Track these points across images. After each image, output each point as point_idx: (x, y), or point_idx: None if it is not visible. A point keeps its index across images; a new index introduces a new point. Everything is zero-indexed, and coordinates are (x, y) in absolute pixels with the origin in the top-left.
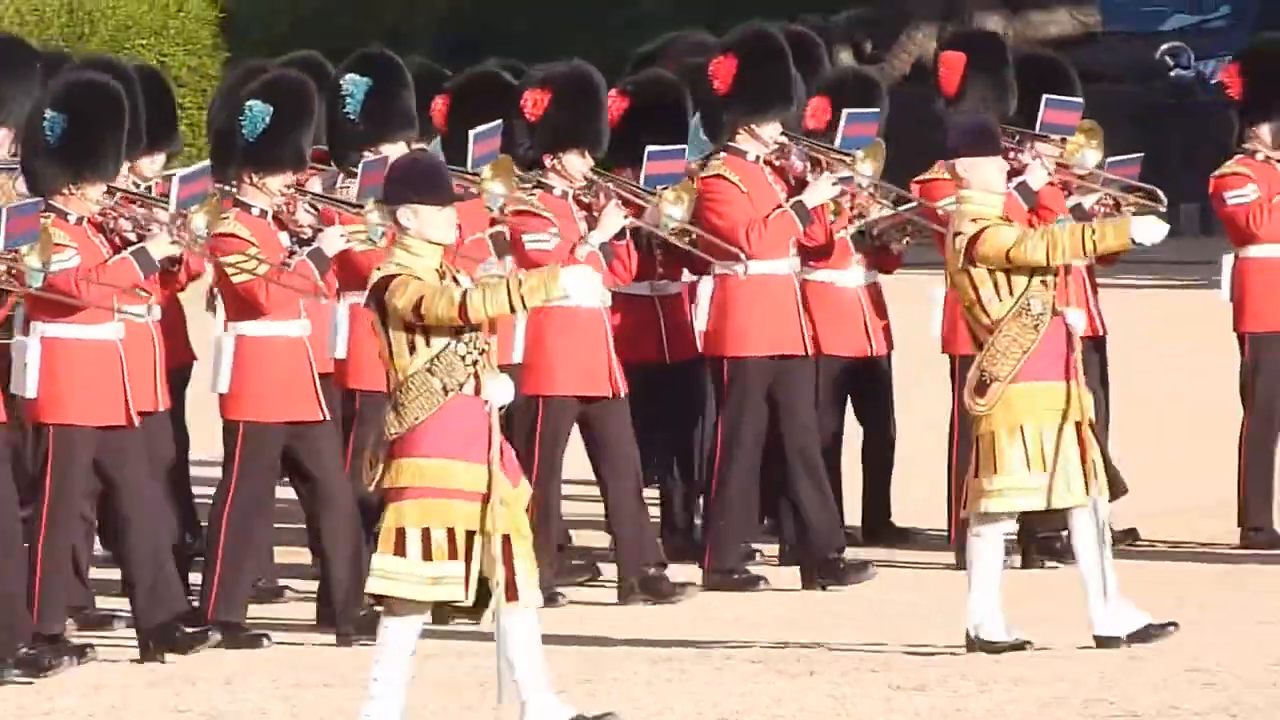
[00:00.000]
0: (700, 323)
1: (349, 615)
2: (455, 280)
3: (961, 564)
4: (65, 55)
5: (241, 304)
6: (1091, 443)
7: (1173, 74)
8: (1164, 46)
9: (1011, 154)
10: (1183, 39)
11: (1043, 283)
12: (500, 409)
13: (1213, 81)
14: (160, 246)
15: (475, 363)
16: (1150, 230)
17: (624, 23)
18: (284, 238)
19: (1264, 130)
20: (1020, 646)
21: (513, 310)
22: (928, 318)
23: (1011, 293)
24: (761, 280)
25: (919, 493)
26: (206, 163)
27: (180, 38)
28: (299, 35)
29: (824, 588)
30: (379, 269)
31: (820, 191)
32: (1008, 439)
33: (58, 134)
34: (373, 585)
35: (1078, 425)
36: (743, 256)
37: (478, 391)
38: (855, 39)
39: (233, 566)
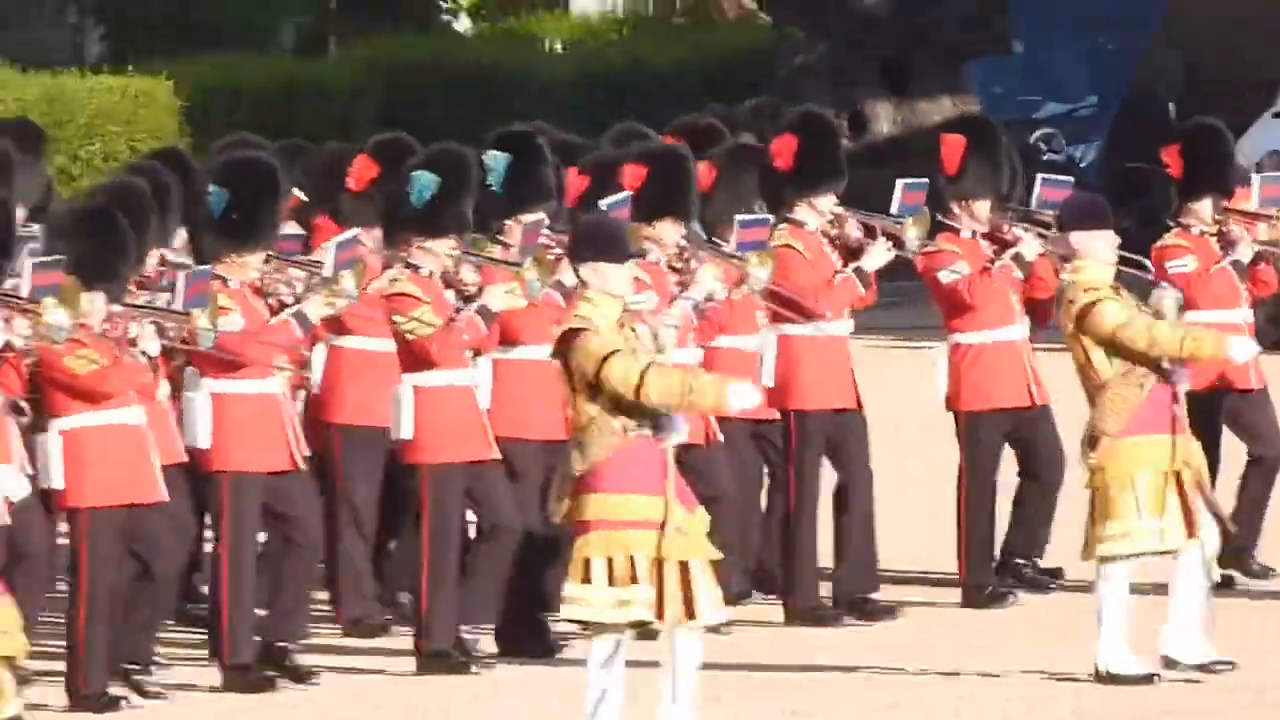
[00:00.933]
0: (767, 379)
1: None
2: (634, 330)
3: (970, 602)
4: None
5: (414, 358)
6: (1192, 490)
7: (1045, 158)
8: (1037, 133)
9: (1006, 228)
10: (1054, 125)
11: None
12: (674, 446)
13: (1081, 165)
14: (316, 308)
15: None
16: (1245, 349)
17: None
18: (450, 295)
19: (1200, 206)
20: (1149, 679)
21: (679, 407)
22: (931, 377)
23: (1121, 359)
24: (825, 340)
25: (932, 534)
26: (357, 230)
27: (148, 125)
28: (253, 122)
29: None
30: (567, 323)
31: (876, 258)
32: (1119, 488)
33: (220, 207)
34: (568, 611)
35: (1179, 474)
36: (824, 315)
37: (655, 431)
38: (759, 126)
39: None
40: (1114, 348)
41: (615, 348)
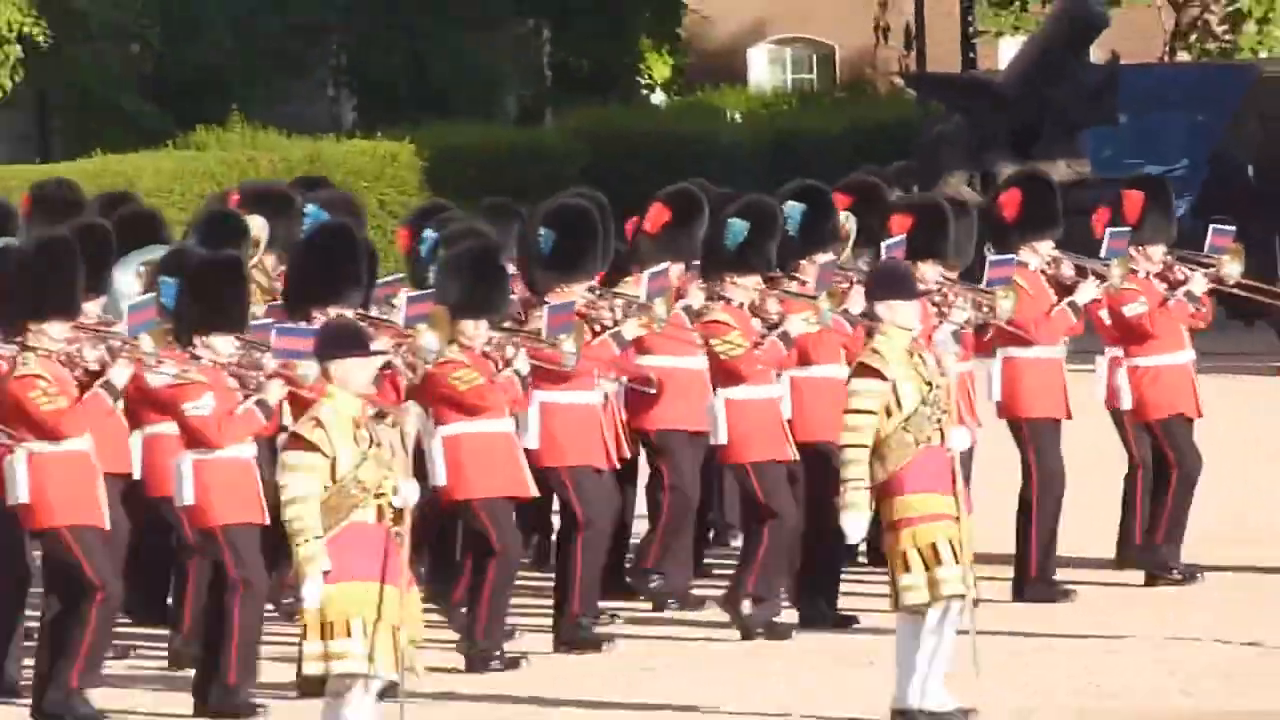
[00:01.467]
0: (995, 394)
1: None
2: (920, 357)
3: (1150, 582)
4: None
5: (727, 374)
6: None
7: None
8: None
9: (1176, 269)
10: None
11: None
12: (960, 452)
13: (1179, 216)
14: (631, 329)
15: (939, 420)
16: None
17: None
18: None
19: (1153, 250)
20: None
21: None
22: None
23: None
24: (1044, 361)
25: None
26: (666, 264)
27: (393, 182)
28: (481, 179)
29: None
30: (861, 355)
31: (1087, 293)
32: None
33: (549, 246)
34: (906, 599)
35: None
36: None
37: (942, 441)
38: (904, 183)
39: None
40: None
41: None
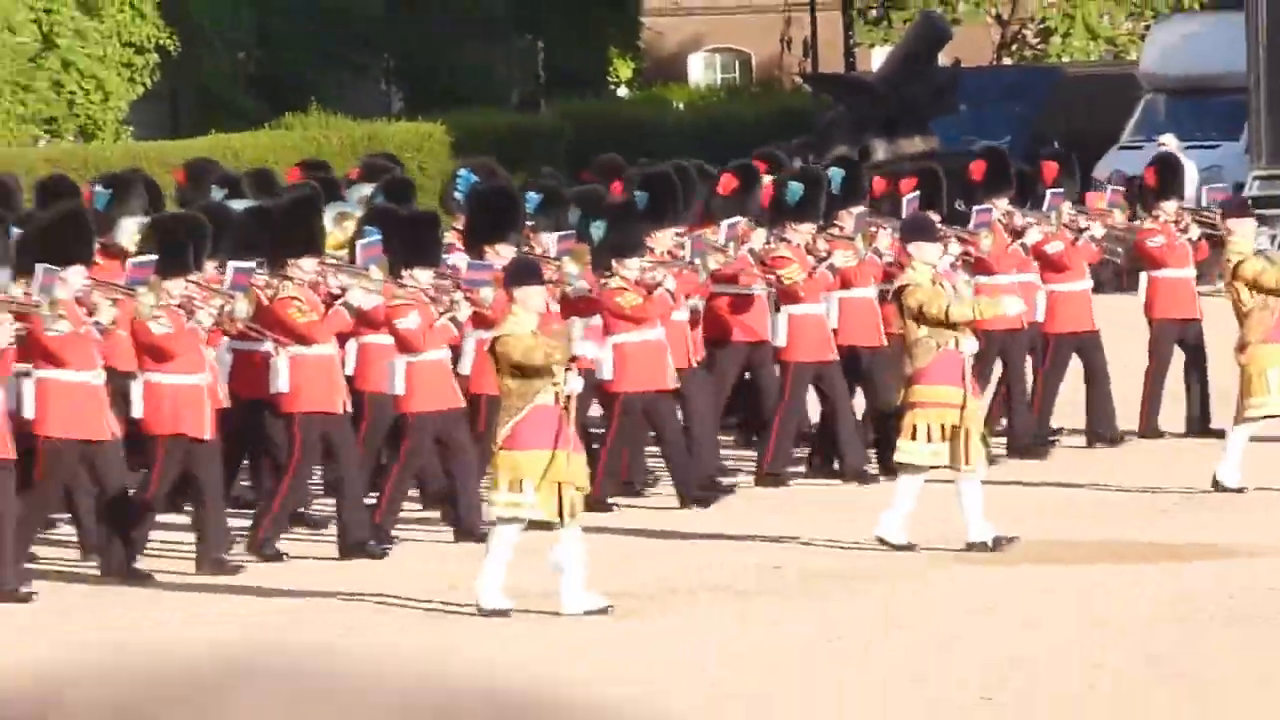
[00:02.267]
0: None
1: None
2: (942, 285)
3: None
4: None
5: (788, 295)
6: None
7: None
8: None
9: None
10: None
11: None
12: (971, 356)
13: None
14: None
15: (956, 328)
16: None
17: None
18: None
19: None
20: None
21: (975, 323)
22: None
23: (1256, 295)
24: (1002, 285)
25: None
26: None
27: (431, 157)
28: (494, 153)
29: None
30: (900, 280)
31: (1032, 236)
32: (1258, 378)
33: (641, 202)
34: (899, 457)
35: None
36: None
37: (958, 345)
38: (803, 155)
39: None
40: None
41: (931, 294)
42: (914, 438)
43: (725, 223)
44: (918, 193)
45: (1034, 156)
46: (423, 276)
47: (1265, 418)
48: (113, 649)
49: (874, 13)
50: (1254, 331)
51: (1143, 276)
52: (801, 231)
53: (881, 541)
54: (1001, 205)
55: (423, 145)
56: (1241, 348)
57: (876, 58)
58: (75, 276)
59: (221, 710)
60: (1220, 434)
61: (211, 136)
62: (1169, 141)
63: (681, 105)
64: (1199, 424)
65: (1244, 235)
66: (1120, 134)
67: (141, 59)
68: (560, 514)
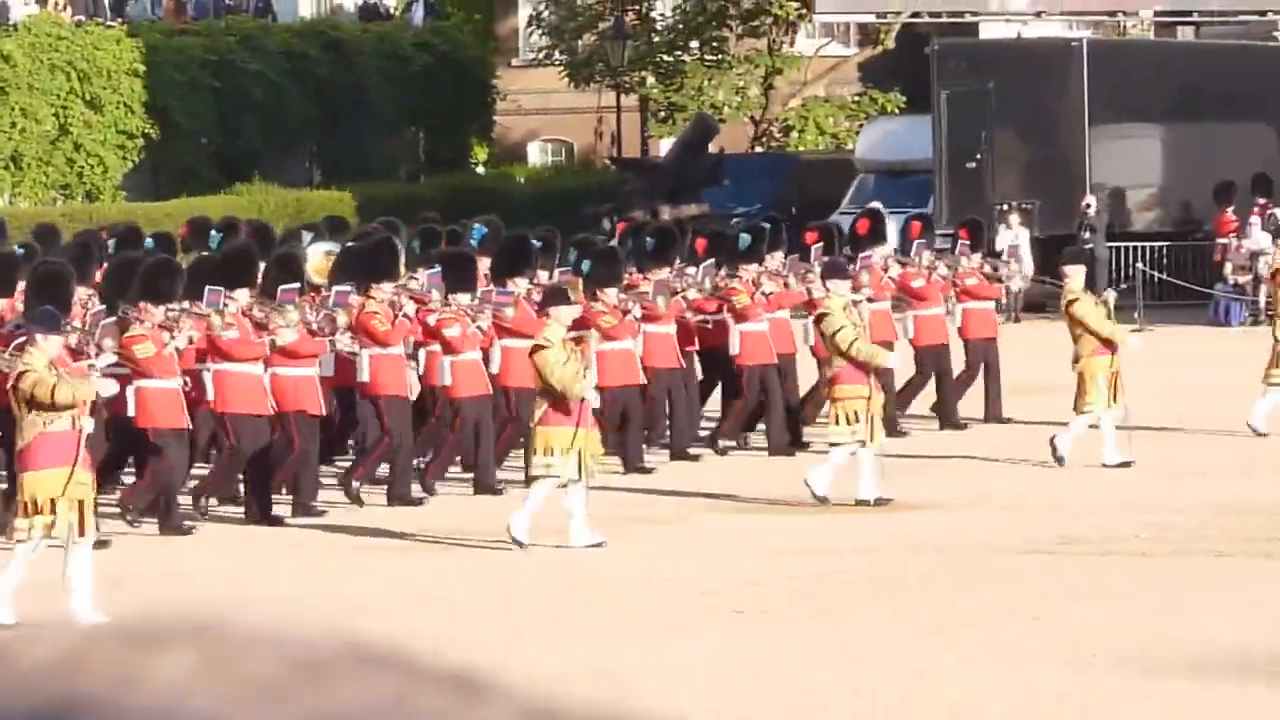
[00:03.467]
0: (910, 334)
1: None
2: (852, 310)
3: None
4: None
5: (740, 316)
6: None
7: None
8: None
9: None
10: (743, 217)
11: None
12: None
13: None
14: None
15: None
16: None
17: None
18: None
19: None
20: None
21: (854, 356)
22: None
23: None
24: (880, 312)
25: None
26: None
27: (341, 215)
28: (389, 213)
29: None
30: (821, 308)
31: (893, 270)
32: (1090, 382)
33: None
34: (831, 438)
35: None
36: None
37: (858, 356)
38: (609, 216)
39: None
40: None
41: (843, 324)
42: (838, 423)
43: (705, 264)
44: (821, 243)
45: (768, 222)
46: (463, 299)
47: (1093, 411)
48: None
49: (663, 114)
50: (1085, 348)
51: (959, 308)
52: (749, 270)
53: (809, 489)
54: (879, 252)
55: (335, 208)
56: (1076, 360)
57: (664, 146)
58: (242, 296)
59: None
60: (1009, 421)
61: (182, 199)
62: (878, 206)
63: (523, 180)
64: (994, 415)
65: (1076, 278)
66: (839, 203)
67: (132, 142)
68: (579, 473)
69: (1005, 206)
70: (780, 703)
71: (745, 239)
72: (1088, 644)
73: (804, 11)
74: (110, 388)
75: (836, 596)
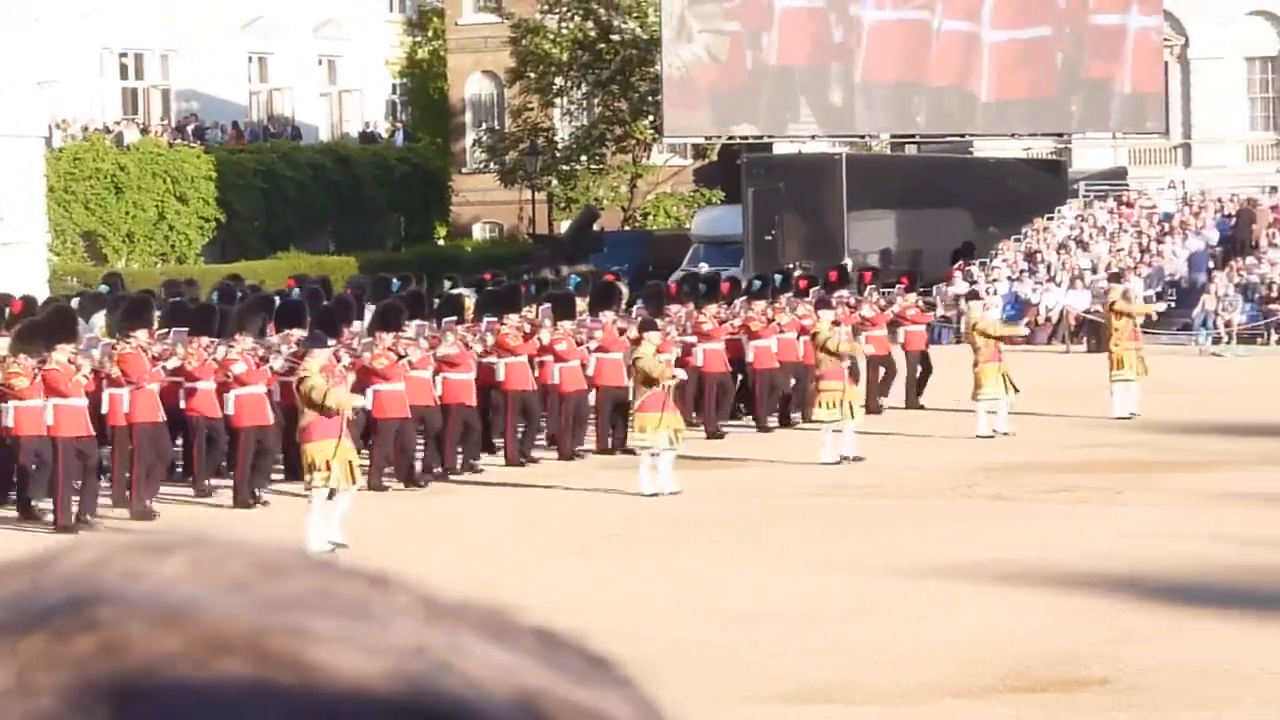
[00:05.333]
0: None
1: None
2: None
3: None
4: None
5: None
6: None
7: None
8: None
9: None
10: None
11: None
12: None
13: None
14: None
15: (836, 353)
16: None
17: None
18: None
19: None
20: None
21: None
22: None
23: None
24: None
25: None
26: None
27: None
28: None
29: None
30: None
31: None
32: (986, 379)
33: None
34: (817, 415)
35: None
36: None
37: (841, 359)
38: (526, 273)
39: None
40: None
41: (829, 334)
42: (821, 406)
43: (681, 310)
44: (816, 286)
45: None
46: (567, 325)
47: (990, 399)
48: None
49: (562, 204)
50: (983, 355)
51: (900, 330)
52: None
53: (823, 462)
54: (842, 295)
55: (345, 268)
56: (975, 364)
57: (564, 226)
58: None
59: None
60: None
61: (242, 263)
62: (704, 267)
63: (469, 249)
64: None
65: (987, 310)
66: (681, 263)
67: (207, 224)
68: (670, 443)
69: (792, 266)
70: (605, 605)
71: (756, 284)
72: (846, 558)
73: (657, 136)
74: (361, 401)
75: (675, 530)
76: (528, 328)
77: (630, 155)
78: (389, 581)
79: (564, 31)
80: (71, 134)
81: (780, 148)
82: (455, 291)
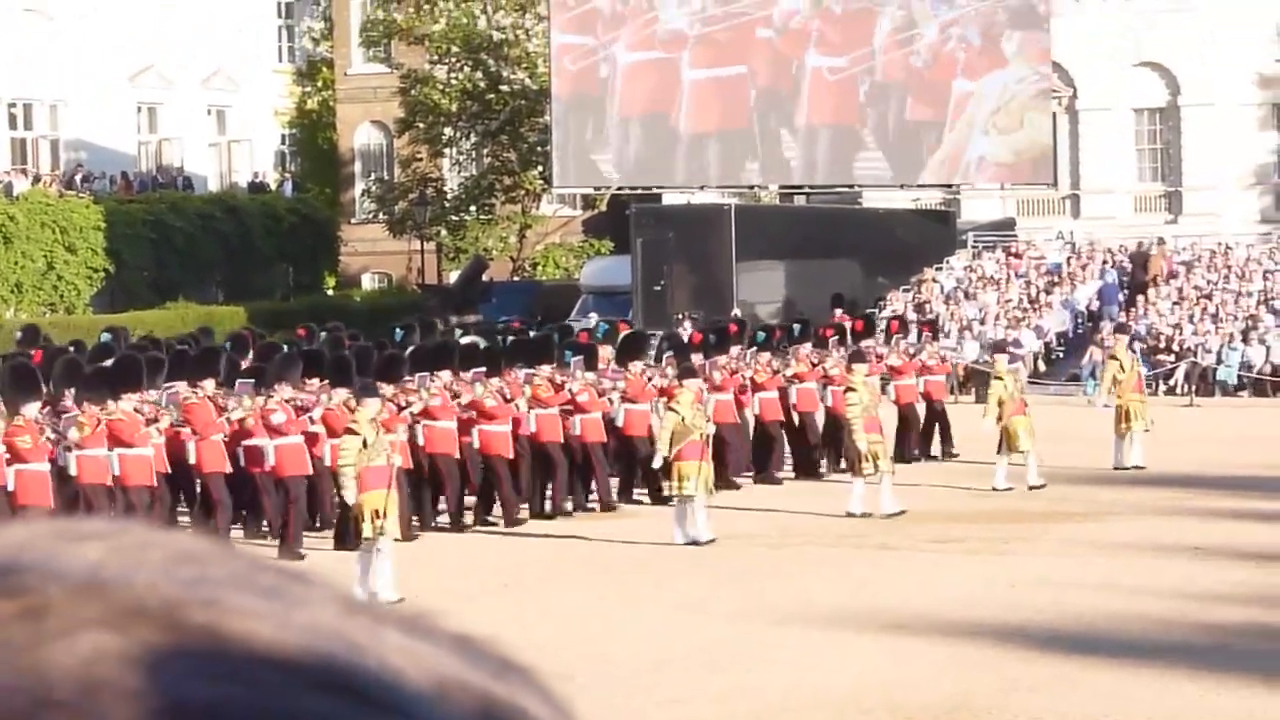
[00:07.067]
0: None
1: None
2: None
3: None
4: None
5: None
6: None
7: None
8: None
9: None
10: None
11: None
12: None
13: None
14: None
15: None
16: None
17: None
18: None
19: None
20: None
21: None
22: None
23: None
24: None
25: None
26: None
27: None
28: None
29: None
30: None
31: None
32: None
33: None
34: (863, 470)
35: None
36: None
37: (871, 413)
38: (417, 323)
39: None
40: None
41: (861, 395)
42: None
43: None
44: (835, 336)
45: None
46: (589, 376)
47: (1022, 452)
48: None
49: (451, 254)
50: (1008, 410)
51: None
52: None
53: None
54: (804, 349)
55: (233, 319)
56: (1000, 419)
57: (453, 276)
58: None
59: None
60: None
61: (130, 313)
62: (593, 317)
63: (359, 298)
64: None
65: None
66: (570, 313)
67: (96, 274)
68: (703, 490)
69: (680, 315)
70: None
71: (796, 328)
72: (732, 605)
73: (546, 186)
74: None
75: (581, 572)
76: (558, 378)
77: (519, 205)
78: (309, 576)
79: (453, 82)
80: None
81: (669, 198)
82: (472, 340)
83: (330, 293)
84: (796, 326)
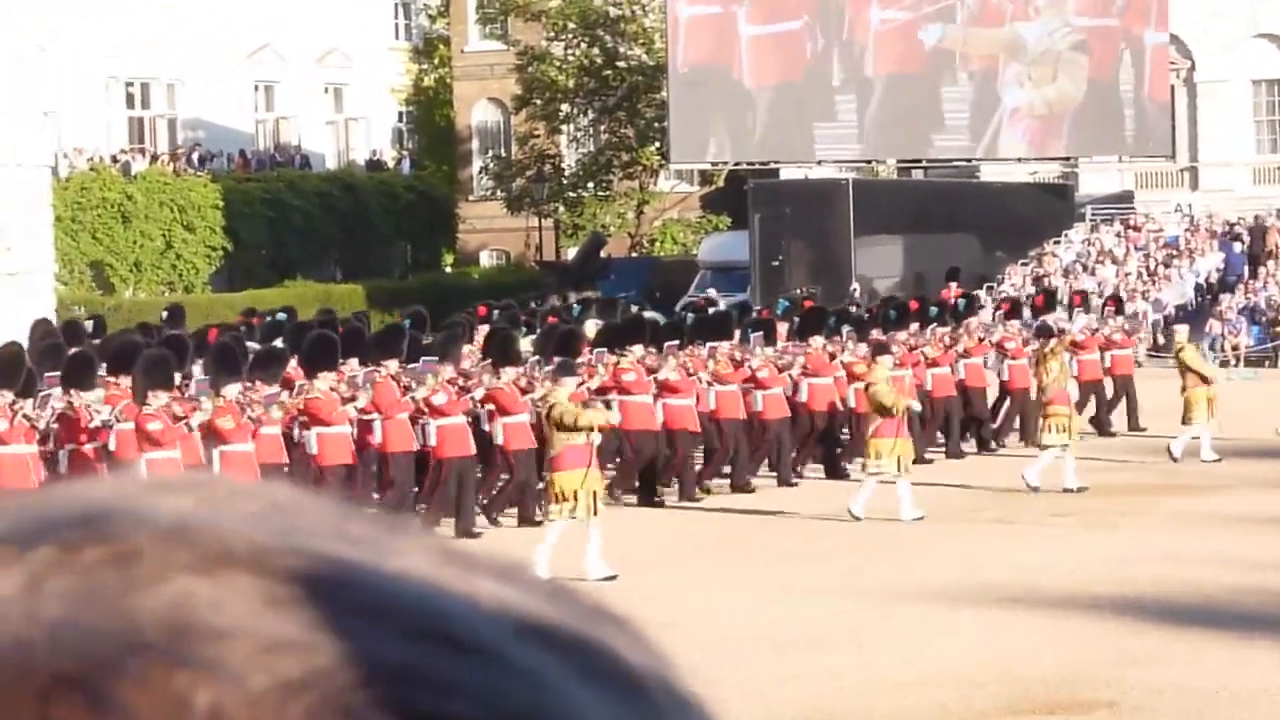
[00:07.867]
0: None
1: None
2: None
3: None
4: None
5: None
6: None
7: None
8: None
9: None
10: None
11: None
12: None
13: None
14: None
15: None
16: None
17: None
18: None
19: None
20: None
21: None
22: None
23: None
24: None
25: None
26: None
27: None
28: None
29: None
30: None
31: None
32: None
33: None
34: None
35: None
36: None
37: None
38: (532, 300)
39: None
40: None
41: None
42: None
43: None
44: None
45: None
46: (769, 351)
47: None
48: None
49: (569, 231)
50: (1190, 381)
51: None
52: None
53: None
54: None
55: (351, 297)
56: (1184, 389)
57: (571, 253)
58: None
59: None
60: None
61: (248, 292)
62: (713, 293)
63: (477, 276)
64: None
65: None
66: (688, 289)
67: (214, 253)
68: (905, 470)
69: (799, 291)
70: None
71: (962, 304)
72: (849, 583)
73: (663, 162)
74: (615, 417)
75: (690, 555)
76: (738, 355)
77: (637, 181)
78: (403, 527)
79: (570, 58)
80: (78, 164)
81: (786, 174)
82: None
83: (448, 270)
84: (962, 301)
